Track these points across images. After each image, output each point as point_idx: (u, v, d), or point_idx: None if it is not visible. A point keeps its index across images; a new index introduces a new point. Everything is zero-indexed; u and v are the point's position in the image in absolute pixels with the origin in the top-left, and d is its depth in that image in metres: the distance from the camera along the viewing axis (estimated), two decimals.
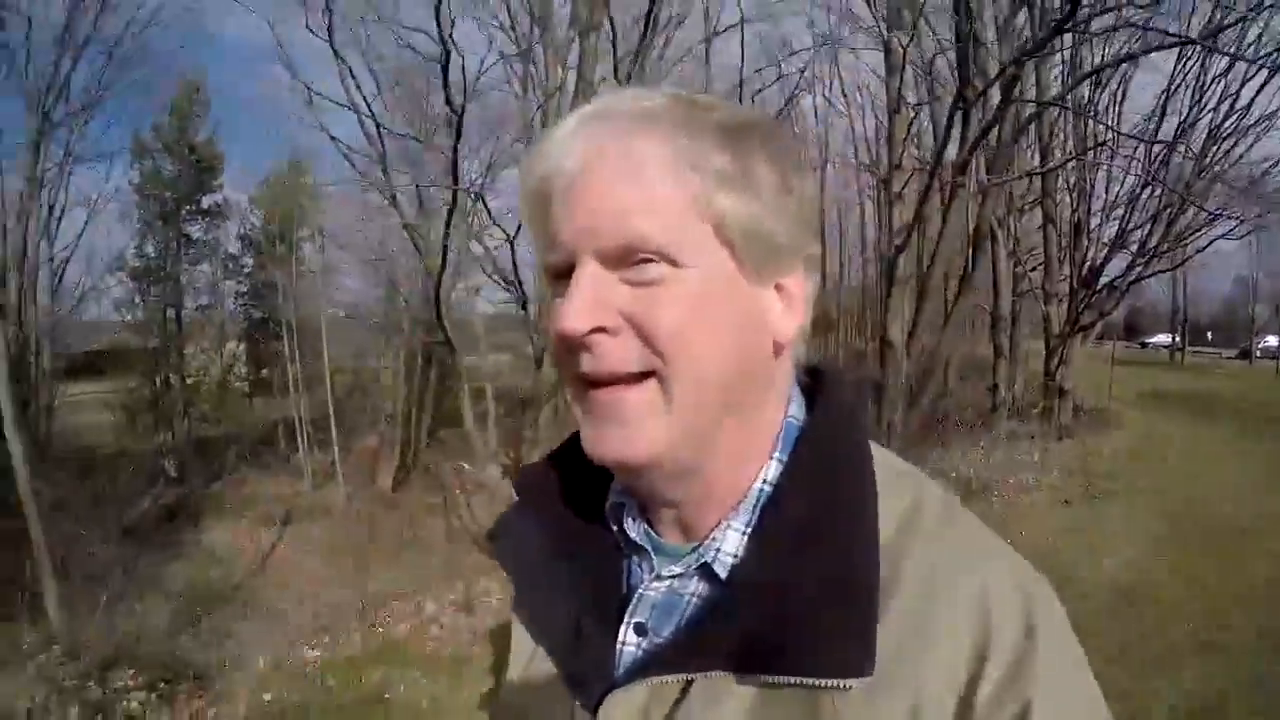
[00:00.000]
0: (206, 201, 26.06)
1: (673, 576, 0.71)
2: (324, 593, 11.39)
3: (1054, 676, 0.61)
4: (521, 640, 0.83)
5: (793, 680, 0.62)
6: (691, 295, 0.64)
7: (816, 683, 0.61)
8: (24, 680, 7.81)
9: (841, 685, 0.61)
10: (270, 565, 15.62)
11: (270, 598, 13.14)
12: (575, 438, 0.75)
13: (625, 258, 0.64)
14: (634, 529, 0.75)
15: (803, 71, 16.28)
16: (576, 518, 0.78)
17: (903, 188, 14.22)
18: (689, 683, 0.66)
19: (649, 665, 0.68)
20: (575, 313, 0.63)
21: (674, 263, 0.63)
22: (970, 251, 12.89)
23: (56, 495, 12.29)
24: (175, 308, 24.92)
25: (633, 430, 0.65)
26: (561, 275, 0.67)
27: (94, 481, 14.53)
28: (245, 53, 50.47)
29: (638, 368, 0.64)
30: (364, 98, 11.70)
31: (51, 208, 19.91)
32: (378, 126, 11.70)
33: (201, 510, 18.64)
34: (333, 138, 12.69)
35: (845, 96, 22.20)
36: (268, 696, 7.39)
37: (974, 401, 15.35)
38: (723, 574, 0.68)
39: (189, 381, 24.47)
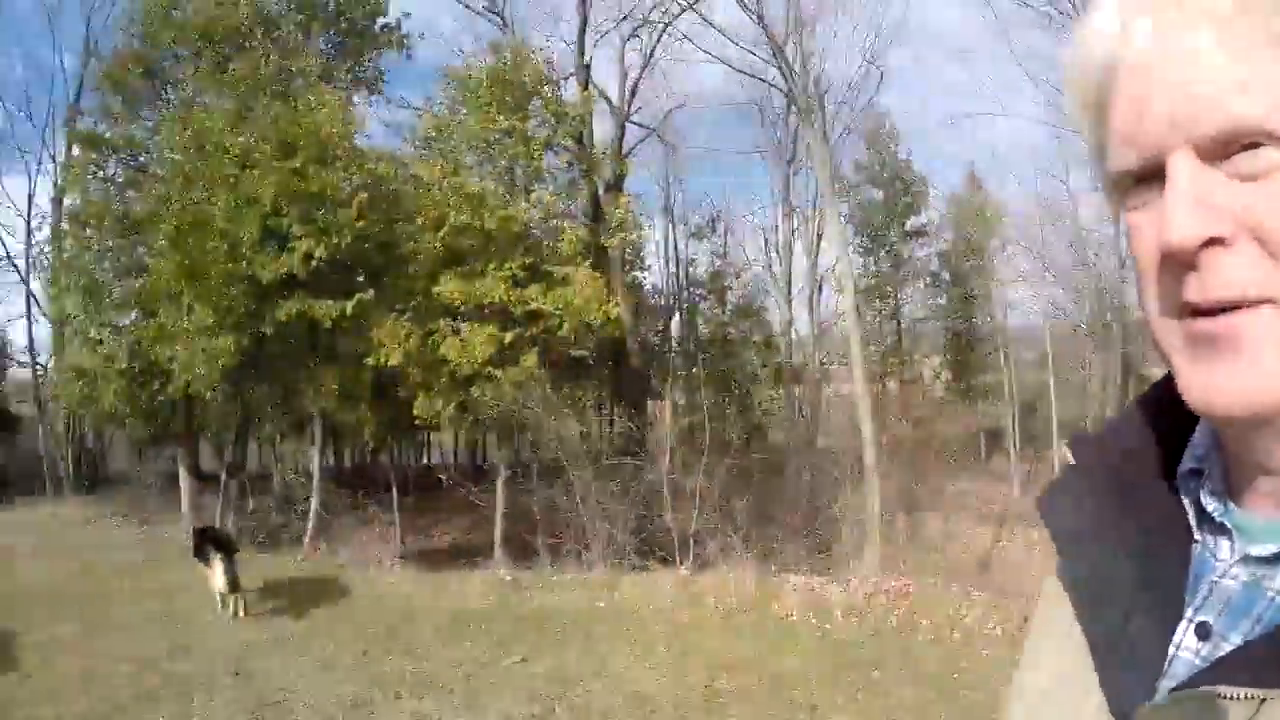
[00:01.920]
0: (911, 223, 28.83)
1: (1262, 560, 0.55)
2: None
3: None
4: (1054, 618, 0.69)
5: None
6: None
7: None
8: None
9: None
10: (997, 559, 16.85)
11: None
12: (1154, 390, 0.65)
13: (1227, 147, 0.48)
14: (1212, 502, 0.60)
15: None
16: (1139, 486, 0.64)
17: None
18: (1261, 703, 0.50)
19: (1207, 673, 0.54)
20: (1182, 218, 0.49)
21: None
22: None
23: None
24: (895, 320, 28.67)
25: (1263, 368, 0.49)
26: (1141, 180, 0.53)
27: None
28: (926, 83, 53.62)
29: (1261, 290, 0.48)
30: None
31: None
32: None
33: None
34: None
35: None
36: None
37: None
38: None
39: (905, 385, 27.62)
